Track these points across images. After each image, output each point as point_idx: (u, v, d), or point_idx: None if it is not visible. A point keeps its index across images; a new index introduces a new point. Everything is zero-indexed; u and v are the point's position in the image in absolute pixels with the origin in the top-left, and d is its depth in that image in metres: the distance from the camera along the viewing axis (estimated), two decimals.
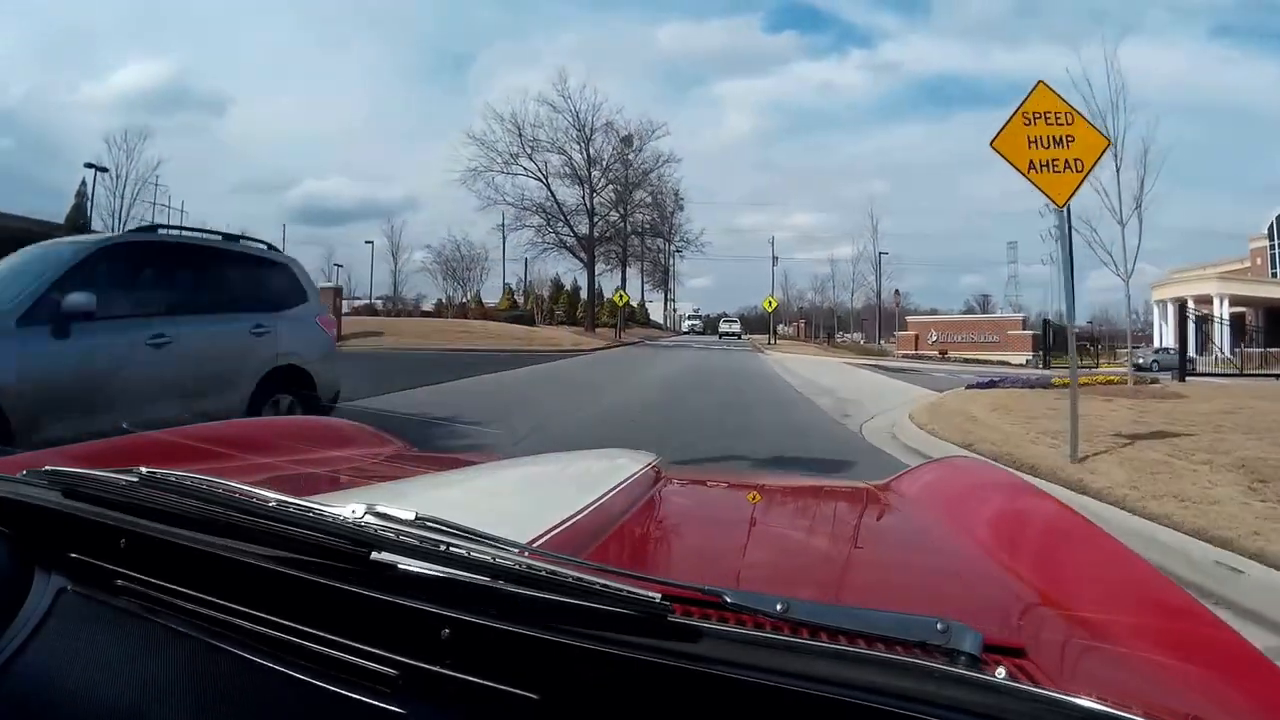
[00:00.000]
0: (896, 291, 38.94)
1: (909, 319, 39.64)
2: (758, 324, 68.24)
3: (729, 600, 0.52)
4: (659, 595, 0.50)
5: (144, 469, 0.70)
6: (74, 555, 0.67)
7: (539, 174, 36.85)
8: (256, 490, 0.65)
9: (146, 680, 0.58)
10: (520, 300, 44.91)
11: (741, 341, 39.95)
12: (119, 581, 0.64)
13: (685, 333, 59.03)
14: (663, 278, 60.04)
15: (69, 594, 0.65)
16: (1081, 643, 0.64)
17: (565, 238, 38.30)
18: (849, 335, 51.21)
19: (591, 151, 37.91)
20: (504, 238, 40.70)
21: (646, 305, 59.52)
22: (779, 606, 0.51)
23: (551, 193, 37.26)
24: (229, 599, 0.59)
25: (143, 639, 0.60)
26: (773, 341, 37.11)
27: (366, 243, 45.77)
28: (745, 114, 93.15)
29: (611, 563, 0.70)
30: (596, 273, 42.09)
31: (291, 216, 37.70)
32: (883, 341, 42.75)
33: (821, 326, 55.02)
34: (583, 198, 38.11)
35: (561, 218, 37.70)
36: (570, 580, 0.52)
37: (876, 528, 1.18)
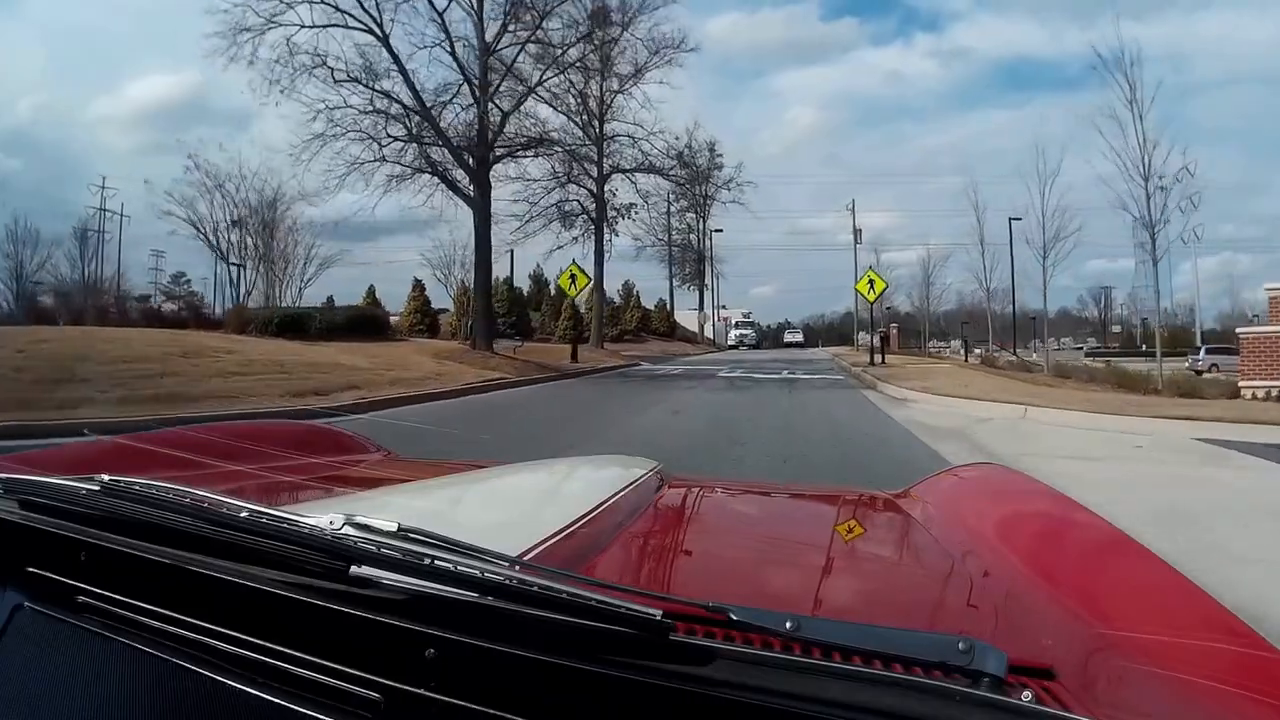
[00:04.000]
0: (1195, 234, 13.54)
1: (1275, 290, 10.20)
2: (828, 335, 51.23)
3: (735, 617, 0.51)
4: (660, 612, 0.49)
5: (106, 477, 0.67)
6: (31, 569, 0.66)
7: (371, 20, 15.47)
8: (227, 499, 0.63)
9: (110, 704, 0.57)
10: (450, 294, 26.66)
11: (822, 365, 19.59)
12: (80, 598, 0.63)
13: (732, 346, 40.27)
14: (696, 267, 41.88)
15: (25, 611, 0.64)
16: (1115, 664, 0.62)
17: (430, 144, 16.81)
18: (935, 343, 36.73)
19: None
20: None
21: (670, 308, 41.23)
22: (789, 624, 0.49)
23: (394, 55, 16.07)
24: (198, 616, 0.58)
25: (105, 659, 0.59)
26: (879, 359, 18.23)
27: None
28: (808, 108, 77.14)
29: (610, 577, 0.72)
30: (558, 246, 24.15)
31: (320, 232, 22.71)
32: (1037, 348, 23.27)
33: (924, 333, 36.92)
34: (462, 73, 16.91)
35: (415, 107, 16.38)
36: (565, 596, 0.50)
37: (893, 538, 1.13)
